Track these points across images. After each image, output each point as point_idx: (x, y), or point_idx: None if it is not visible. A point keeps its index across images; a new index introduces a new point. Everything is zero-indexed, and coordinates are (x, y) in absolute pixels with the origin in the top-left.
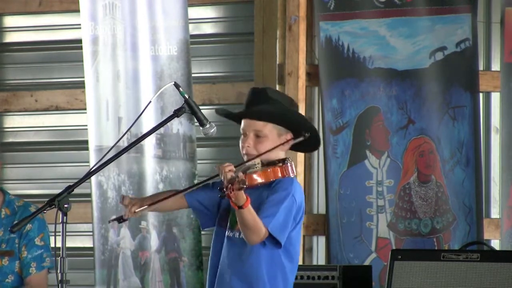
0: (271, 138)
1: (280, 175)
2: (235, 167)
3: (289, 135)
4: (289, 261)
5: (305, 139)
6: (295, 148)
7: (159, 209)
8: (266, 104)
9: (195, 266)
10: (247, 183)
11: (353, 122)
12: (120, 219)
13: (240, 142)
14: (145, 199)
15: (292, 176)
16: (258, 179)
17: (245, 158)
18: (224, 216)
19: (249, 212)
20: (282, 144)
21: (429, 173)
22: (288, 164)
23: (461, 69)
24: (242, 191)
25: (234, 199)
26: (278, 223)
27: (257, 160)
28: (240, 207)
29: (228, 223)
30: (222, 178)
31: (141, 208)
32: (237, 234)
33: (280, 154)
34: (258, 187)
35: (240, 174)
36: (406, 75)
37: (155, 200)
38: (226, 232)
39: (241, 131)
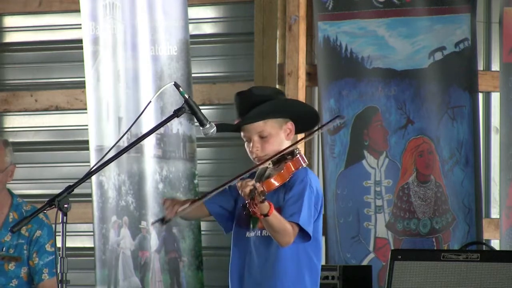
0: (275, 133)
1: (293, 169)
2: (249, 176)
3: (289, 123)
4: (316, 253)
5: (318, 129)
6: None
7: (186, 216)
8: (256, 104)
9: (194, 266)
10: (266, 192)
11: (350, 122)
12: (163, 220)
13: (247, 149)
14: (184, 200)
15: (305, 166)
16: (275, 183)
17: (256, 162)
18: (243, 217)
19: (275, 217)
20: (287, 135)
21: (428, 173)
22: (298, 155)
23: (460, 69)
24: (265, 202)
25: (259, 212)
26: (305, 217)
27: (267, 162)
28: (266, 215)
29: (251, 224)
30: (242, 194)
31: (183, 207)
32: (259, 232)
33: (285, 143)
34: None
35: (258, 185)
36: (405, 75)
37: (192, 201)
38: (247, 233)
39: (244, 138)
